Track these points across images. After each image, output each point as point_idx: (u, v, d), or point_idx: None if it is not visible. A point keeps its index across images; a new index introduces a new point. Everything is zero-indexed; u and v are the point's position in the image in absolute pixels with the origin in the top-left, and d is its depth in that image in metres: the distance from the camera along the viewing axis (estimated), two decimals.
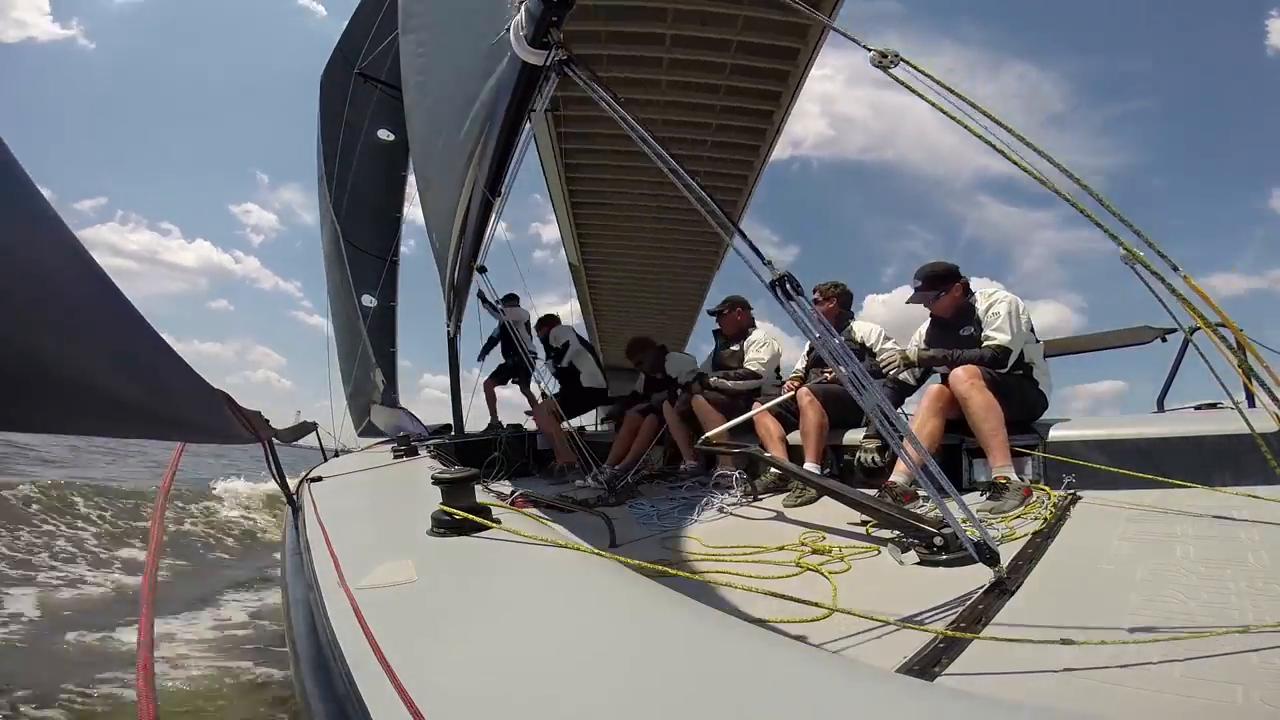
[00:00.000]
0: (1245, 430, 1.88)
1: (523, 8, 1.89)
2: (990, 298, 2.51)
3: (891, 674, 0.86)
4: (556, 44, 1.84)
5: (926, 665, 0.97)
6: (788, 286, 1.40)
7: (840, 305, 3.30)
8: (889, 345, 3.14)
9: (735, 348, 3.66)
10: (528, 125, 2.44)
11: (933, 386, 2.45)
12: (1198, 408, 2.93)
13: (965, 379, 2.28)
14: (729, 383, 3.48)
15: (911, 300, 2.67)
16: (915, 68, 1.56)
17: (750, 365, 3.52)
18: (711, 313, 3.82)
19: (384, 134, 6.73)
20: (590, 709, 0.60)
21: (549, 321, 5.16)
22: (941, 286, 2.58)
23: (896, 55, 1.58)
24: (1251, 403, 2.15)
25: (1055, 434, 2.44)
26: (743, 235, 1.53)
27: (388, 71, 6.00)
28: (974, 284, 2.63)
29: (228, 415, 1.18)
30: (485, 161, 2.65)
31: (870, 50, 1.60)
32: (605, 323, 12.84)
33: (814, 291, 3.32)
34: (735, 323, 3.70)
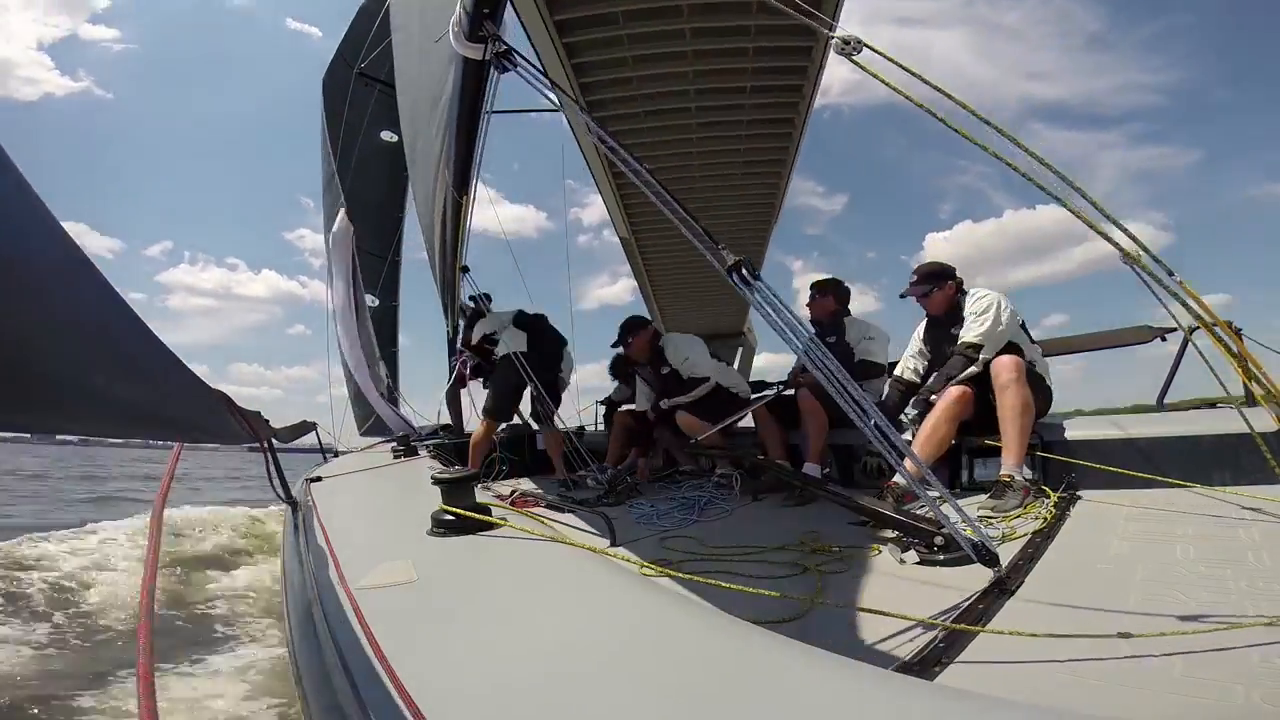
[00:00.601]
0: (1245, 430, 1.88)
1: (459, 3, 1.88)
2: (973, 294, 2.51)
3: (891, 673, 0.86)
4: (492, 36, 1.83)
5: (926, 664, 0.97)
6: (744, 271, 1.39)
7: (837, 302, 3.28)
8: (868, 342, 3.12)
9: (665, 370, 3.48)
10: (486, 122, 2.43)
11: (952, 389, 2.36)
12: (1197, 407, 2.93)
13: (1010, 368, 2.24)
14: (686, 398, 3.35)
15: (904, 294, 2.69)
16: (878, 52, 1.59)
17: (697, 374, 3.38)
18: (616, 344, 3.68)
19: (387, 135, 6.68)
20: (590, 708, 0.60)
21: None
22: (935, 283, 2.60)
23: (859, 41, 1.62)
24: (1251, 402, 2.15)
25: (1055, 434, 2.44)
26: (694, 220, 1.52)
27: (388, 72, 6.00)
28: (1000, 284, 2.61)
29: (227, 416, 1.18)
30: (452, 161, 2.64)
31: (834, 38, 1.63)
32: (662, 292, 12.39)
33: (811, 288, 3.32)
34: (643, 345, 3.54)
